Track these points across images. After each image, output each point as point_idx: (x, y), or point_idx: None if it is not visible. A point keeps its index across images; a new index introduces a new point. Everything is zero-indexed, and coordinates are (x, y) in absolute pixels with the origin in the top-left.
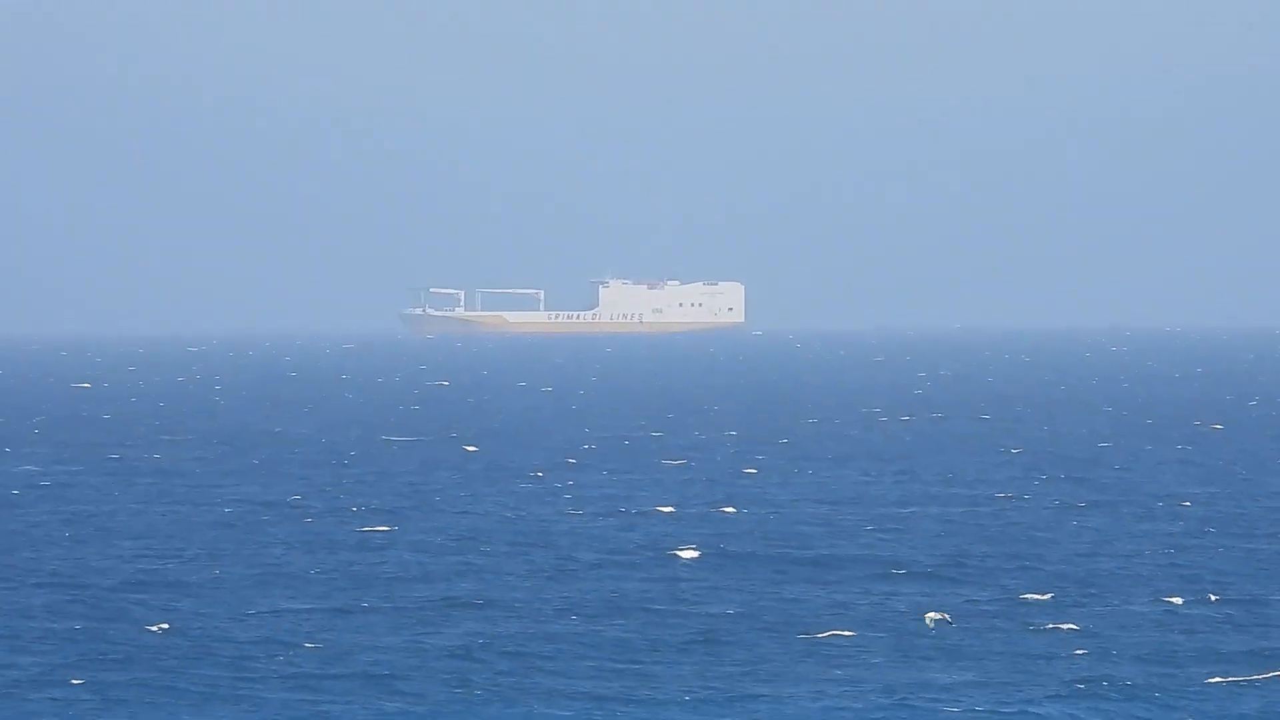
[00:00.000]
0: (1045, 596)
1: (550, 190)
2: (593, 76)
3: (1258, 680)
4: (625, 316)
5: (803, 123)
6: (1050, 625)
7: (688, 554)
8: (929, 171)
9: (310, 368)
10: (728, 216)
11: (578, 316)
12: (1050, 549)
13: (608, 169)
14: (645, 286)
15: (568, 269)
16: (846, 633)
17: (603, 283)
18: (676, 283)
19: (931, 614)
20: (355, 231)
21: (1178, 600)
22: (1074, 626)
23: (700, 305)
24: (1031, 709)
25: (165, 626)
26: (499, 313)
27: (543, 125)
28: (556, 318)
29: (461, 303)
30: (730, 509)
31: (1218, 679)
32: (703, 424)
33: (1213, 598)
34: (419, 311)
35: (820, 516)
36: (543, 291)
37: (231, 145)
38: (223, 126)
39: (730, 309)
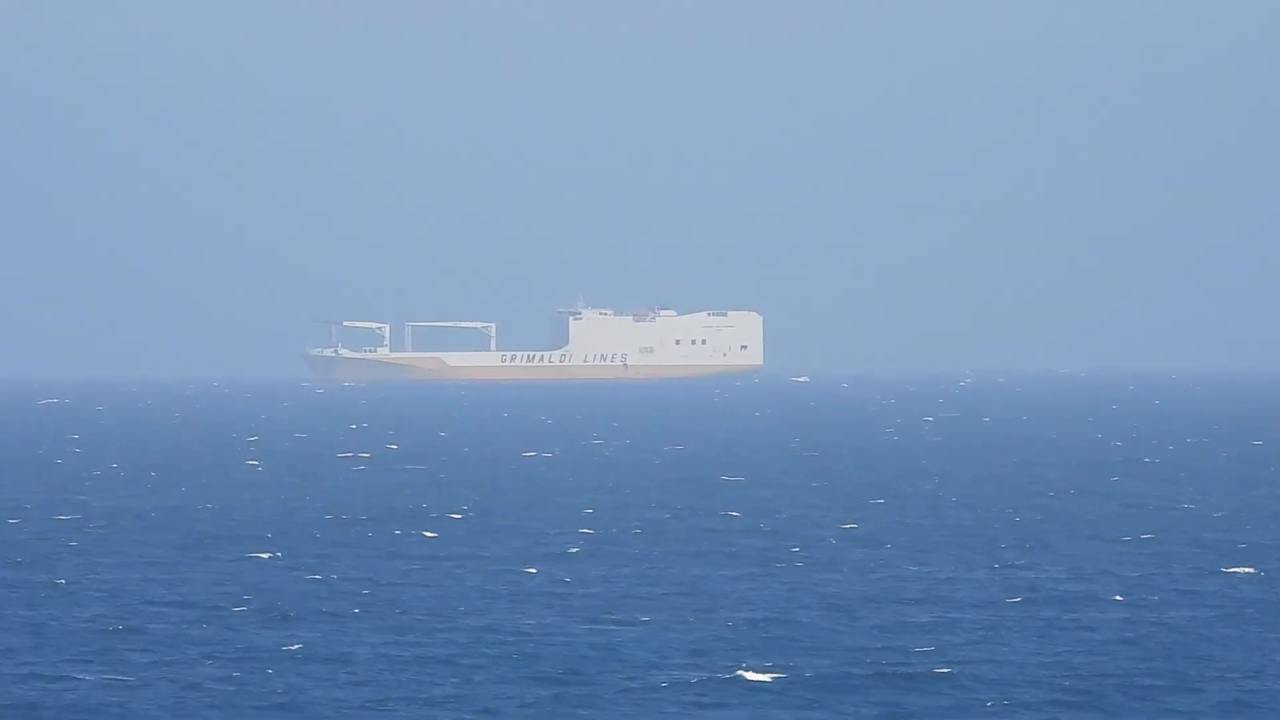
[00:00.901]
0: None
1: (505, 200)
2: (557, 70)
3: None
4: (604, 358)
5: (818, 125)
6: None
7: (753, 675)
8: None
9: (193, 425)
10: (734, 233)
11: (541, 358)
12: (1208, 667)
13: (578, 173)
14: (630, 318)
15: (527, 297)
16: None
17: (574, 313)
18: (672, 313)
19: None
20: (245, 254)
21: None
22: None
23: (704, 342)
24: None
25: None
26: (436, 354)
27: (488, 123)
28: (512, 359)
29: (386, 340)
30: (804, 614)
31: None
32: (754, 491)
33: None
34: (329, 352)
35: (927, 625)
36: (494, 325)
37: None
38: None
39: (744, 346)
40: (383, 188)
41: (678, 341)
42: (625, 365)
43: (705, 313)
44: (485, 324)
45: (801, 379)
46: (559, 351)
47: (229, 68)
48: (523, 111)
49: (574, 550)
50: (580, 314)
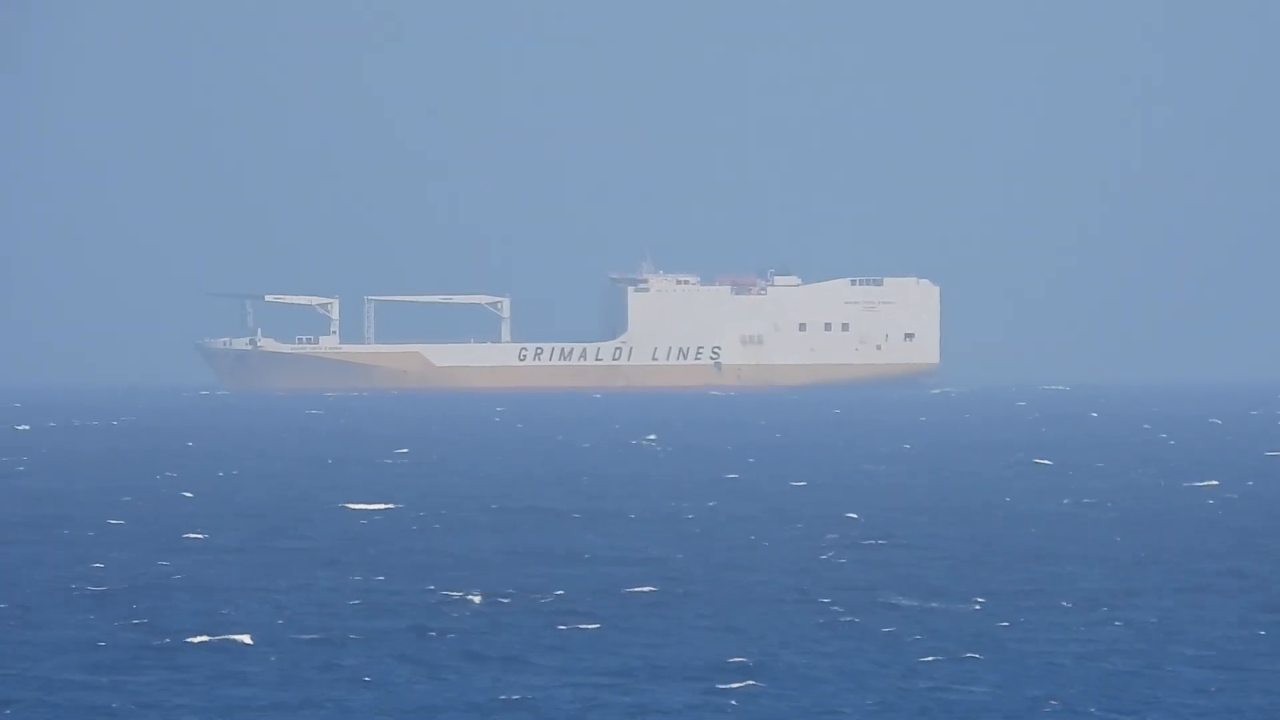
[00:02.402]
0: None
1: (522, 121)
2: None
3: None
4: (683, 353)
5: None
6: None
7: None
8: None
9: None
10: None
11: (582, 354)
12: None
13: (628, 93)
14: (728, 288)
15: (559, 262)
16: None
17: (635, 282)
18: (794, 280)
19: None
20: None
21: None
22: None
23: (845, 328)
24: None
25: None
26: (415, 346)
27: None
28: (536, 356)
29: (335, 324)
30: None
31: None
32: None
33: None
34: (244, 344)
35: None
36: (506, 301)
37: None
38: None
39: (909, 335)
40: (328, 106)
41: (803, 327)
42: (718, 365)
43: (848, 280)
44: (493, 299)
45: (940, 390)
46: (612, 343)
47: None
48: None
49: None
50: (645, 282)
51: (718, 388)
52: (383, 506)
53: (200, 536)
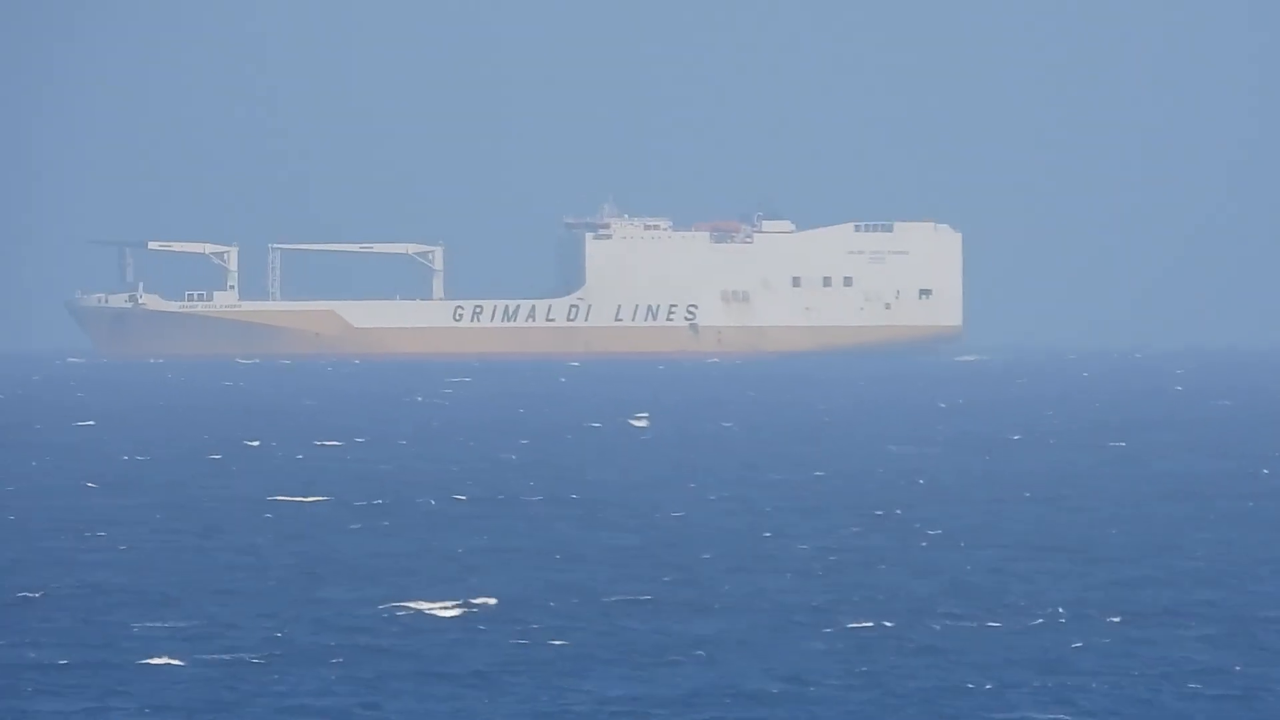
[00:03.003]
0: None
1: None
2: None
3: None
4: (652, 312)
5: None
6: None
7: None
8: None
9: None
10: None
11: (531, 313)
12: None
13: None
14: (707, 235)
15: (503, 208)
16: None
17: (595, 227)
18: (786, 226)
19: None
20: None
21: None
22: None
23: (848, 282)
24: None
25: None
26: (329, 304)
27: None
28: (475, 316)
29: (233, 276)
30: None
31: None
32: None
33: None
34: (123, 301)
35: None
36: (438, 250)
37: None
38: None
39: (925, 291)
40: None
41: (796, 281)
42: (694, 327)
43: (851, 225)
44: (423, 248)
45: (968, 357)
46: (566, 300)
47: None
48: None
49: None
50: (606, 227)
51: (694, 354)
52: (316, 500)
53: (103, 535)
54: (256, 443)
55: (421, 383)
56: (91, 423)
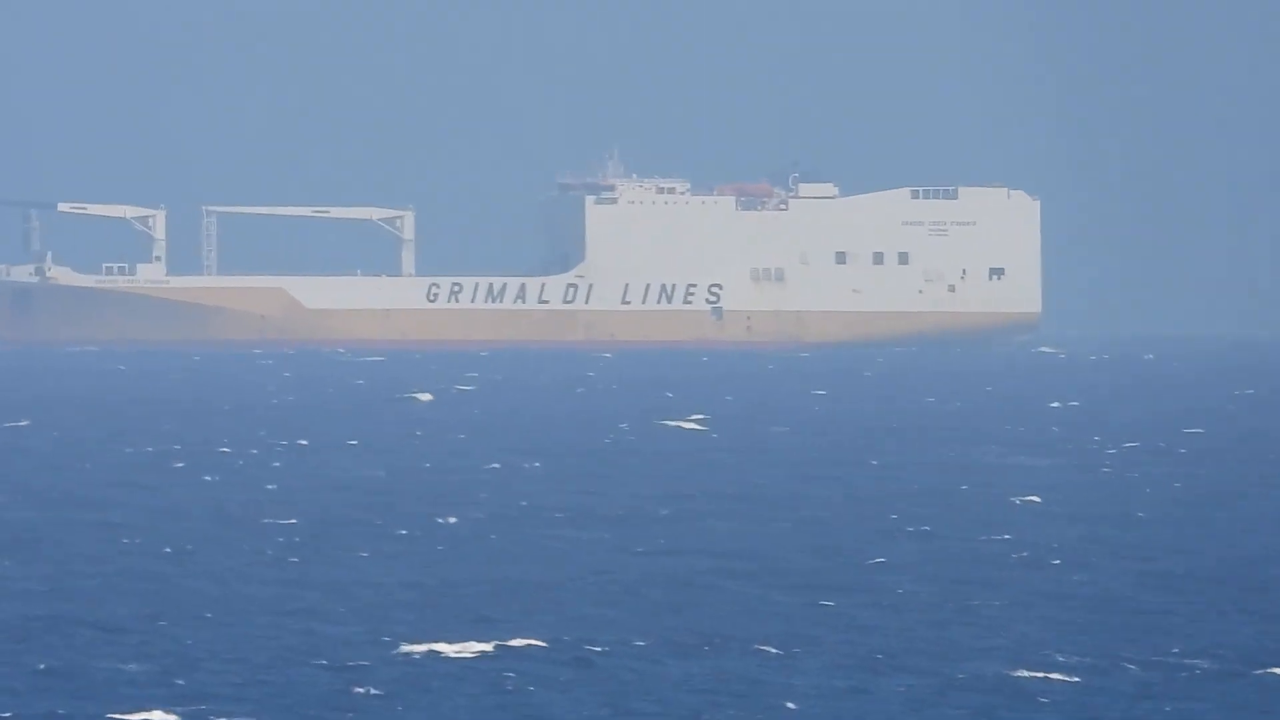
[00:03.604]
0: None
1: None
2: None
3: None
4: (665, 293)
5: None
6: None
7: None
8: None
9: None
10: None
11: (520, 292)
12: None
13: None
14: (732, 200)
15: (485, 158)
16: None
17: (598, 189)
18: (829, 190)
19: None
20: None
21: None
22: None
23: (902, 259)
24: None
25: None
26: (277, 279)
27: None
28: (453, 296)
29: (160, 245)
30: None
31: None
32: None
33: None
34: (28, 274)
35: None
36: (409, 215)
37: None
38: None
39: (998, 271)
40: None
41: (841, 257)
42: (718, 311)
43: (908, 190)
44: (391, 213)
45: (1046, 349)
46: (563, 279)
47: None
48: None
49: None
50: (611, 189)
51: (717, 344)
52: (286, 522)
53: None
54: (227, 449)
55: (413, 375)
56: (25, 422)
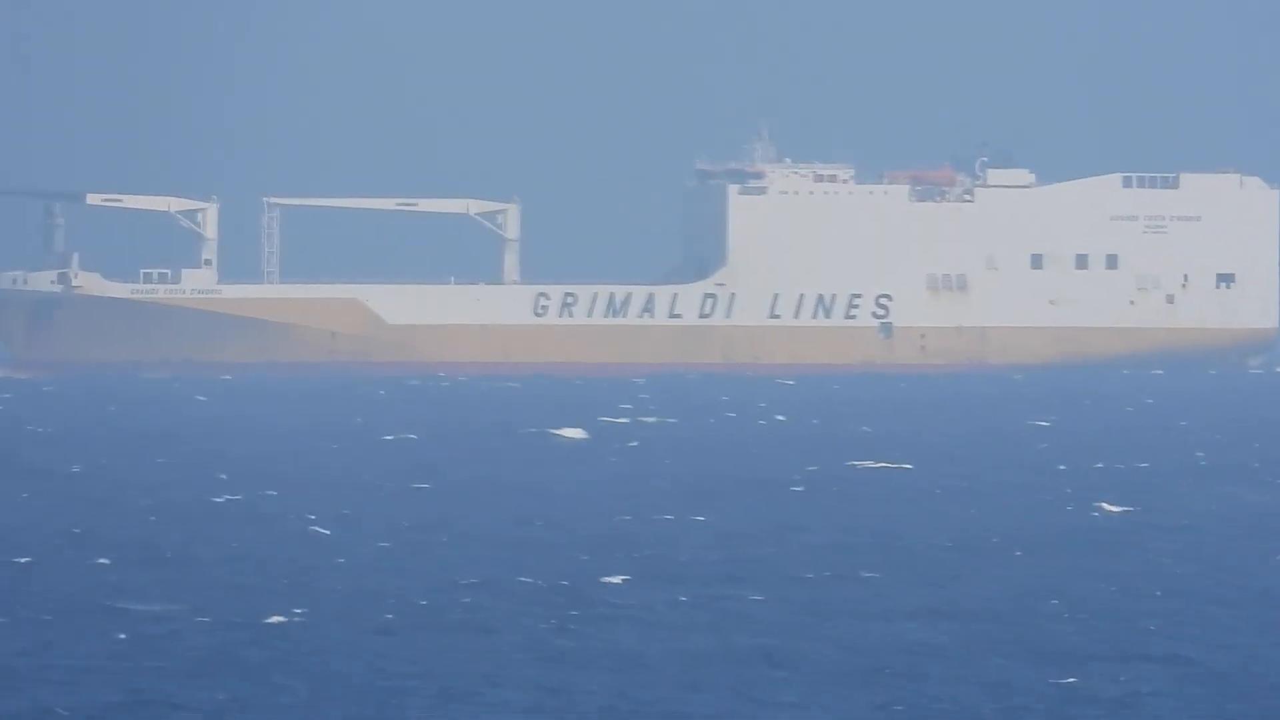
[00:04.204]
0: None
1: None
2: None
3: None
4: (824, 306)
5: None
6: None
7: None
8: None
9: None
10: None
11: (648, 305)
12: None
13: None
14: (907, 190)
15: (605, 139)
16: None
17: (742, 175)
18: (1025, 176)
19: None
20: None
21: None
22: None
23: (1115, 264)
24: None
25: None
26: (349, 287)
27: None
28: (568, 309)
29: (208, 247)
30: None
31: None
32: None
33: None
34: (50, 281)
35: None
36: (513, 207)
37: None
38: None
39: (1227, 278)
40: None
41: (1038, 261)
42: (887, 327)
43: (1119, 177)
44: (491, 206)
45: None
46: (699, 287)
47: None
48: None
49: None
50: (760, 176)
51: (885, 367)
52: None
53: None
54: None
55: (543, 405)
56: (77, 469)
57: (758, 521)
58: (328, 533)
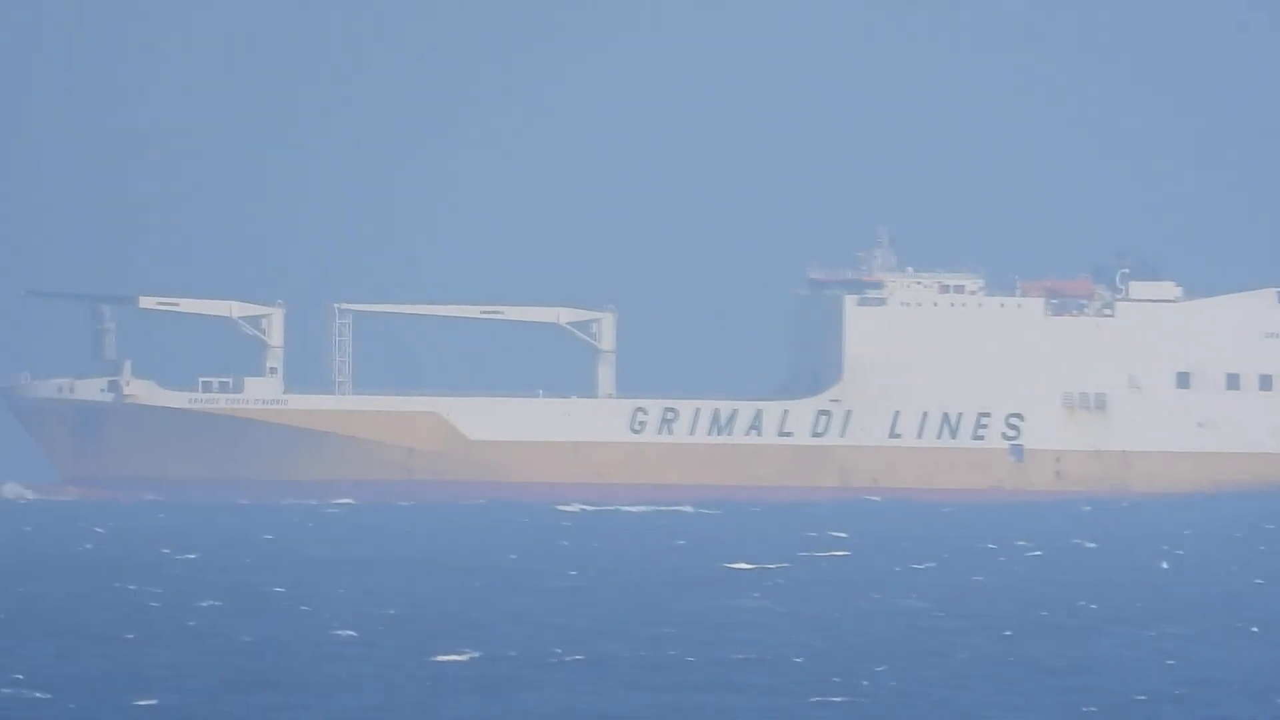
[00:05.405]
0: None
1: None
2: None
3: None
4: (949, 425)
5: None
6: None
7: None
8: None
9: None
10: None
11: (757, 422)
12: None
13: None
14: (1041, 302)
15: (707, 243)
16: None
17: (857, 286)
18: (1170, 289)
19: None
20: None
21: None
22: None
23: (1270, 386)
24: None
25: None
26: (428, 398)
27: None
28: (668, 426)
29: (273, 354)
30: None
31: None
32: None
33: None
34: (100, 389)
35: None
36: (608, 316)
37: None
38: None
39: None
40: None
41: (1185, 380)
42: (1018, 450)
43: (1276, 291)
44: (584, 314)
45: None
46: (812, 403)
47: None
48: None
49: None
50: (879, 286)
51: (1015, 493)
52: None
53: None
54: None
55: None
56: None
57: None
58: None
